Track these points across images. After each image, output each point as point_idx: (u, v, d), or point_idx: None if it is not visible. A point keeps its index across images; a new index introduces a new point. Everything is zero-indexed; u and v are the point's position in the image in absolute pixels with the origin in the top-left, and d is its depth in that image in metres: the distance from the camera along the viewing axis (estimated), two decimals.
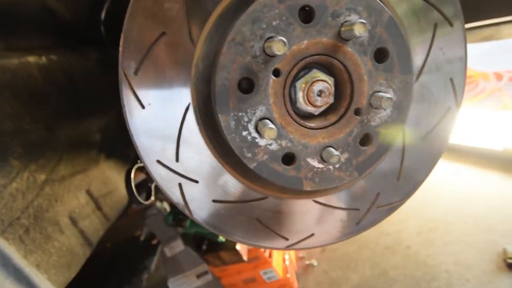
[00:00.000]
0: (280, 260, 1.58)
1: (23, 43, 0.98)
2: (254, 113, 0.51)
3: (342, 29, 0.49)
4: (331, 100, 0.53)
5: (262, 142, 0.52)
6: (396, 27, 0.52)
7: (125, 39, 0.52)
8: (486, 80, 2.43)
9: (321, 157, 0.55)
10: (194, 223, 1.76)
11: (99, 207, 1.19)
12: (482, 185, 1.60)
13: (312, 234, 0.66)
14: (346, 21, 0.49)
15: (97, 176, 1.22)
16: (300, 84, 0.51)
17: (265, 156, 0.53)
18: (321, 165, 0.55)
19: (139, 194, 1.23)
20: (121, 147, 1.35)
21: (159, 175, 0.58)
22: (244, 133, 0.51)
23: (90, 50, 1.18)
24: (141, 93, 0.54)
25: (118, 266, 2.51)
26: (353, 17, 0.49)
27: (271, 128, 0.48)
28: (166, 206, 1.54)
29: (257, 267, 1.62)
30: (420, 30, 0.60)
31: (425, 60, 0.61)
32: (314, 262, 1.55)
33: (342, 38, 0.50)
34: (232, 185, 0.61)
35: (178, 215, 1.50)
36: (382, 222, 1.66)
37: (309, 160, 0.55)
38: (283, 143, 0.53)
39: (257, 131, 0.52)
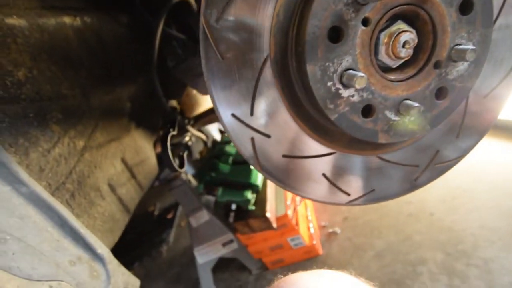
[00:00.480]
0: (306, 228, 1.63)
1: (58, 2, 0.94)
2: (340, 64, 0.51)
3: None
4: (411, 51, 0.53)
5: (345, 93, 0.53)
6: None
7: None
8: None
9: (398, 110, 0.56)
10: (226, 191, 1.79)
11: (133, 176, 1.20)
12: (504, 154, 1.65)
13: (373, 190, 0.69)
14: None
15: (130, 145, 1.21)
16: (385, 34, 0.51)
17: (346, 108, 0.54)
18: (397, 118, 0.56)
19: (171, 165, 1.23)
20: (149, 116, 1.34)
21: (233, 128, 0.58)
22: (329, 83, 0.52)
23: (122, 14, 1.14)
24: (220, 44, 0.53)
25: (135, 240, 2.56)
26: None
27: (362, 76, 0.48)
28: (190, 178, 1.55)
29: (285, 234, 1.67)
30: None
31: (497, 16, 0.61)
32: (337, 230, 1.60)
33: None
34: (302, 140, 0.62)
35: (210, 184, 1.52)
36: None
37: (387, 112, 0.56)
38: (365, 94, 0.53)
39: (341, 82, 0.52)
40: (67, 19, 0.95)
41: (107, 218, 1.02)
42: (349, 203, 0.69)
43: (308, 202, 1.73)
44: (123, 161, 1.17)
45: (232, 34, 0.54)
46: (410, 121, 0.57)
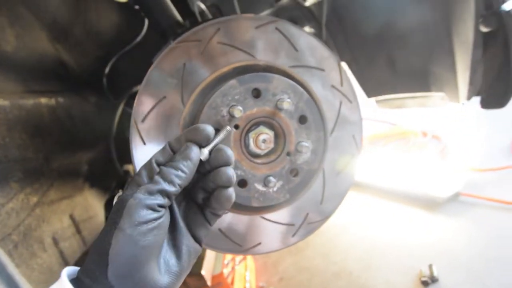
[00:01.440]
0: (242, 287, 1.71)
1: (38, 87, 1.21)
2: None
3: (278, 103, 0.80)
4: (272, 145, 0.82)
5: None
6: (312, 103, 0.84)
7: (139, 99, 0.79)
8: (415, 136, 2.97)
9: (264, 183, 0.82)
10: None
11: (79, 231, 1.33)
12: (407, 219, 1.94)
13: (259, 243, 0.90)
14: (280, 98, 0.81)
15: (80, 203, 1.37)
16: (251, 134, 0.80)
17: None
18: (264, 189, 0.82)
19: None
20: (104, 178, 1.52)
21: None
22: None
23: (90, 94, 1.42)
24: (144, 134, 0.80)
25: None
26: (284, 96, 0.81)
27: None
28: None
29: None
30: (331, 104, 0.93)
31: (335, 123, 0.93)
32: None
33: (278, 108, 0.81)
34: None
35: None
36: (330, 252, 1.90)
37: (256, 184, 0.81)
38: (239, 172, 0.79)
39: None
40: (43, 100, 1.21)
41: (45, 269, 1.12)
42: (241, 252, 0.89)
43: (249, 262, 1.85)
44: (71, 217, 1.31)
45: (154, 128, 0.81)
46: (274, 191, 0.83)
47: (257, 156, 0.83)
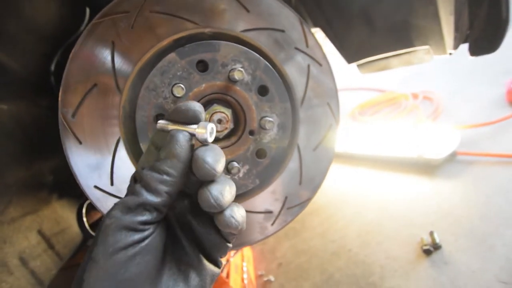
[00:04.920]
0: (239, 280, 1.64)
1: None
2: None
3: (230, 74, 0.68)
4: (230, 125, 0.70)
5: None
6: (272, 70, 0.72)
7: (63, 89, 0.67)
8: (406, 99, 2.85)
9: (227, 170, 0.70)
10: None
11: (51, 246, 1.22)
12: (403, 187, 1.86)
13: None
14: (232, 69, 0.68)
15: (49, 216, 1.26)
16: (205, 114, 0.68)
17: None
18: (229, 176, 0.71)
19: (95, 230, 1.28)
20: (74, 185, 1.40)
21: (96, 197, 0.70)
22: None
23: (41, 97, 1.28)
24: (78, 132, 0.67)
25: None
26: (237, 66, 0.68)
27: None
28: None
29: (215, 286, 1.65)
30: (297, 69, 0.81)
31: (305, 91, 0.81)
32: (272, 278, 1.64)
33: (231, 80, 0.68)
34: None
35: None
36: (327, 231, 1.82)
37: None
38: None
39: None
40: None
41: None
42: None
43: (246, 252, 1.78)
44: (40, 232, 1.20)
45: (88, 124, 0.68)
46: (240, 178, 0.72)
47: (214, 140, 0.71)
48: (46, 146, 1.28)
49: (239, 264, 1.76)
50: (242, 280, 1.72)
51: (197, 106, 0.49)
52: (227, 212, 0.48)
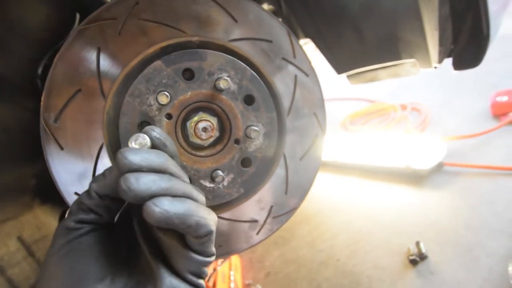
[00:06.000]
0: None
1: None
2: None
3: (216, 83, 0.68)
4: (216, 134, 0.70)
5: None
6: (258, 80, 0.73)
7: (46, 94, 0.66)
8: (395, 110, 2.90)
9: (211, 178, 0.70)
10: None
11: (31, 253, 1.18)
12: (391, 196, 1.87)
13: (220, 246, 0.79)
14: (218, 78, 0.68)
15: (30, 222, 1.22)
16: (189, 123, 0.68)
17: None
18: (212, 185, 0.70)
19: None
20: (57, 191, 1.37)
21: None
22: None
23: (27, 100, 1.26)
24: (60, 137, 0.66)
25: None
26: (223, 74, 0.69)
27: None
28: None
29: None
30: (284, 80, 0.81)
31: (292, 101, 0.82)
32: (259, 287, 1.62)
33: (217, 89, 0.69)
34: None
35: None
36: (316, 241, 1.82)
37: (202, 181, 0.69)
38: None
39: None
40: None
41: None
42: None
43: (234, 261, 1.76)
44: (20, 239, 1.17)
45: (70, 129, 0.67)
46: (224, 186, 0.71)
47: (200, 148, 0.71)
48: (30, 149, 1.26)
49: (226, 273, 1.74)
50: None
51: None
52: (151, 201, 0.40)
